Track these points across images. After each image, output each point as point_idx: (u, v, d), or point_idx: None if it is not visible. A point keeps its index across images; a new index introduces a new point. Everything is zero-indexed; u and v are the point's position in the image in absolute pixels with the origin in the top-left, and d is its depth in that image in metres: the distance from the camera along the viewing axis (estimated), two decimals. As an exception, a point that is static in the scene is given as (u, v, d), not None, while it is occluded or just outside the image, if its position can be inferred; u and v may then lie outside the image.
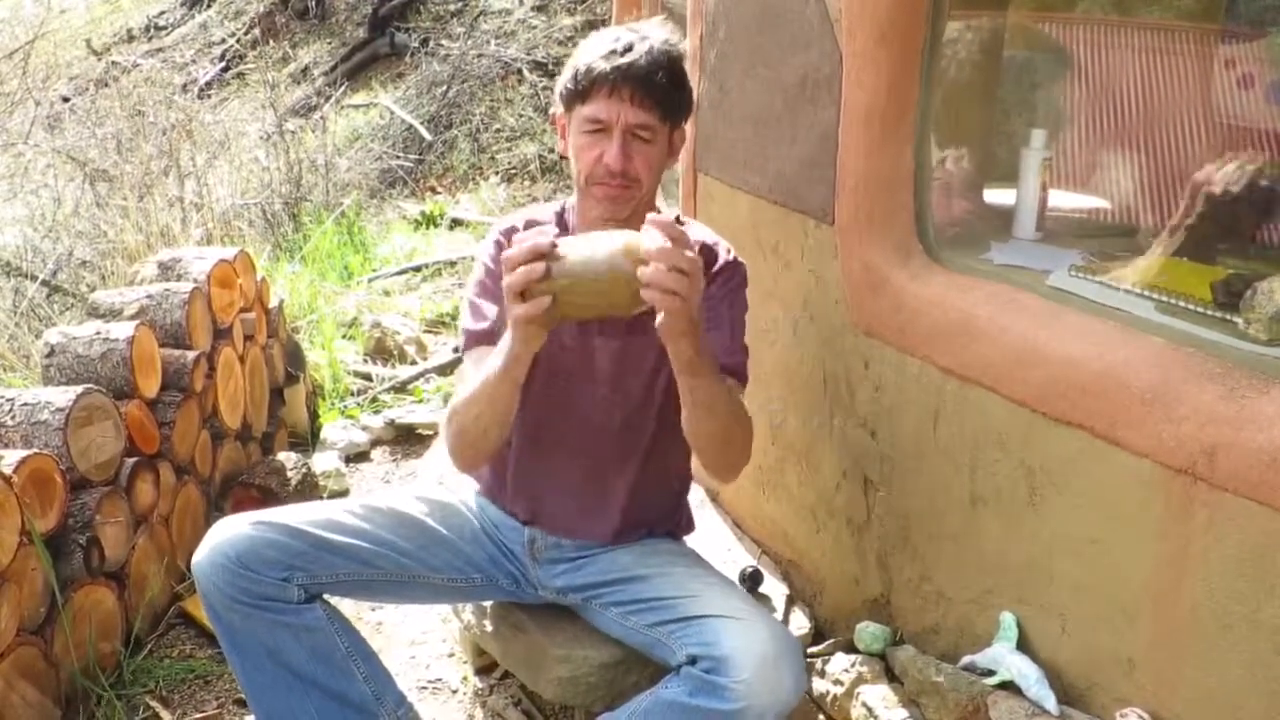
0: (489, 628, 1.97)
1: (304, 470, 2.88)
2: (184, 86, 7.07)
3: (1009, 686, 1.59)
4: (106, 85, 6.86)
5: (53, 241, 4.73)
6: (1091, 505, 1.48)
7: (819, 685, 1.89)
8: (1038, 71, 2.26)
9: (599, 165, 1.60)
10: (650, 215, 1.39)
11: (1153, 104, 2.10)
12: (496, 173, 7.08)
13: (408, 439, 3.43)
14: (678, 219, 1.79)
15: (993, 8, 2.15)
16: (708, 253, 1.76)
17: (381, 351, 3.98)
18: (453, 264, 5.20)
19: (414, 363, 3.95)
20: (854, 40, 1.82)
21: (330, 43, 9.67)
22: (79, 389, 2.17)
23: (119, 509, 2.20)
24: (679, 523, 1.92)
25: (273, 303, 3.21)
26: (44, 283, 4.25)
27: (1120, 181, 2.12)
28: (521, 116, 7.49)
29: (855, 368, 1.94)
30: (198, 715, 2.13)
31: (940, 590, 1.80)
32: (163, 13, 10.93)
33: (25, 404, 2.14)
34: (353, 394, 3.66)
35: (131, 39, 10.50)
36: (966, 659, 1.67)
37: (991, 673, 1.62)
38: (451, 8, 9.14)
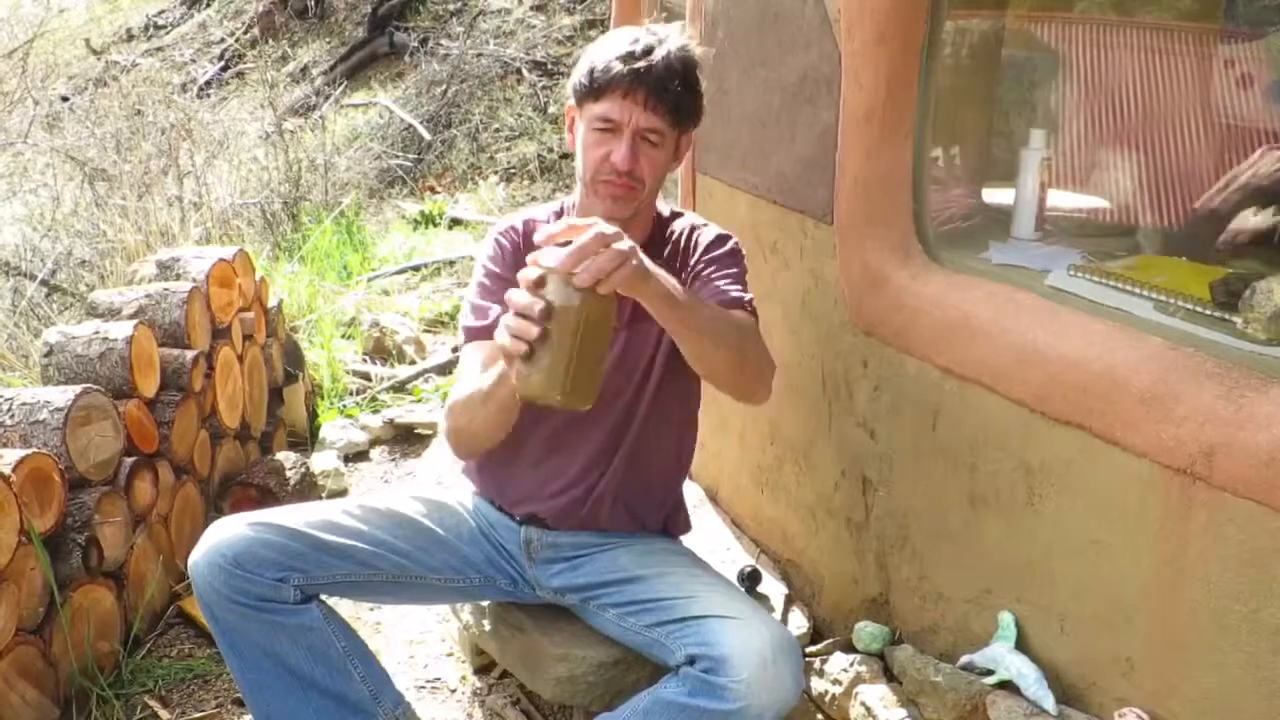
0: (487, 627, 1.97)
1: (303, 470, 2.88)
2: (183, 86, 7.08)
3: (1008, 686, 1.59)
4: (105, 85, 6.87)
5: (52, 241, 4.73)
6: (1090, 505, 1.48)
7: (817, 685, 1.89)
8: (1037, 71, 2.26)
9: (606, 163, 1.60)
10: (530, 256, 1.36)
11: (1152, 104, 2.10)
12: (495, 172, 7.08)
13: (406, 438, 3.43)
14: (674, 212, 1.81)
15: (992, 7, 2.15)
16: (702, 233, 1.78)
17: (380, 351, 3.98)
18: (451, 263, 5.20)
19: (413, 362, 3.95)
20: (853, 40, 1.82)
21: (329, 42, 9.67)
22: (78, 388, 2.17)
23: (118, 508, 2.20)
24: (674, 519, 1.92)
25: (271, 302, 3.21)
26: (43, 282, 4.25)
27: (1119, 181, 2.12)
28: (521, 116, 7.49)
29: (854, 367, 1.94)
30: (196, 715, 2.13)
31: (939, 590, 1.80)
32: (162, 12, 10.93)
33: (24, 403, 2.14)
34: (351, 393, 3.66)
35: (131, 38, 10.50)
36: (965, 658, 1.67)
37: (990, 672, 1.62)
38: (451, 7, 9.13)
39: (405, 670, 2.24)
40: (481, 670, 2.22)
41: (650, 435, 1.80)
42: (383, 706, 1.74)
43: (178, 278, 2.83)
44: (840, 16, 1.85)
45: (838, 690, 1.83)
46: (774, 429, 2.25)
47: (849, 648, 1.91)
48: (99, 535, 2.12)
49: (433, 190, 7.01)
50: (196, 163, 5.26)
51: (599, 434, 1.77)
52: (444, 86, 7.88)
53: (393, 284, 4.93)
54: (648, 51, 1.58)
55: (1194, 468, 1.31)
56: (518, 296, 1.35)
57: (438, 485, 1.97)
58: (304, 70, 9.01)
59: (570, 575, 1.81)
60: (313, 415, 3.43)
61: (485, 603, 1.96)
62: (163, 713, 2.13)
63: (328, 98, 7.57)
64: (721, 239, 1.77)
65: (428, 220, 6.16)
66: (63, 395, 2.14)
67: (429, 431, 3.36)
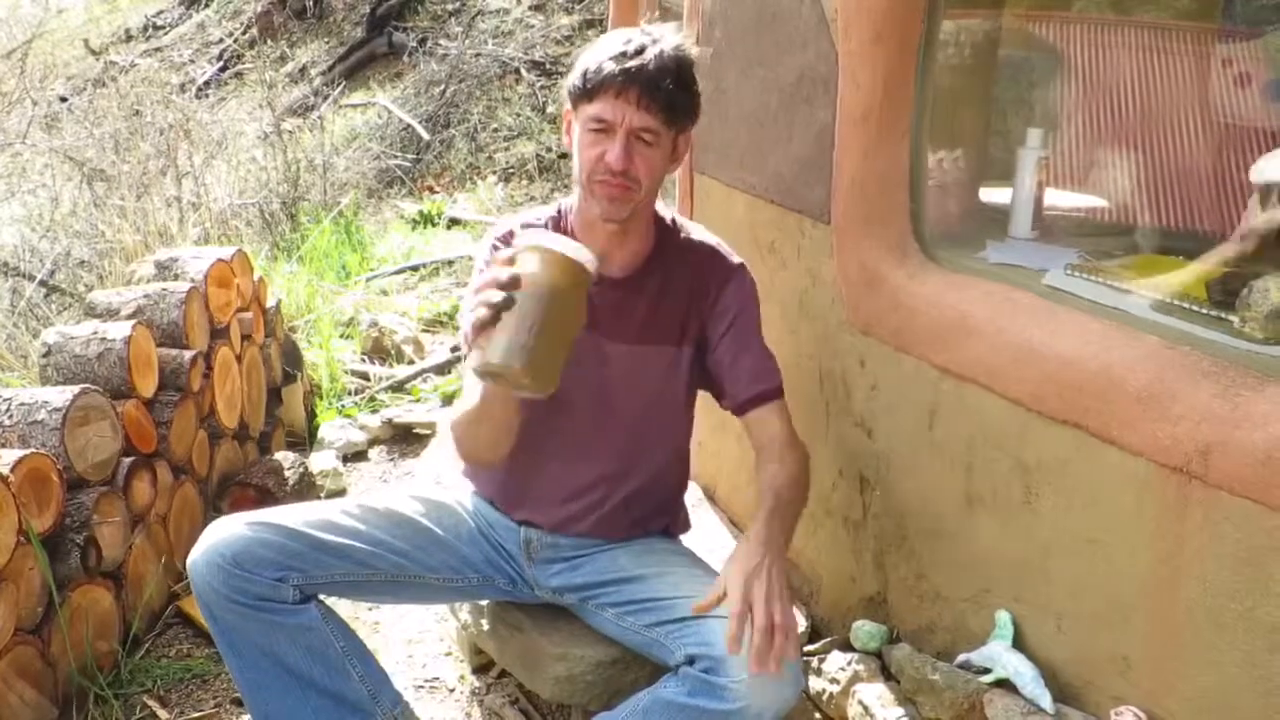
0: (486, 627, 1.97)
1: (301, 470, 2.88)
2: (182, 86, 7.07)
3: (1005, 685, 1.59)
4: (104, 85, 6.86)
5: (50, 241, 4.73)
6: (1087, 504, 1.48)
7: (815, 683, 1.89)
8: (1034, 70, 2.26)
9: (600, 163, 1.60)
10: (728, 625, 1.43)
11: (1149, 103, 2.10)
12: (494, 172, 7.08)
13: (405, 438, 3.43)
14: (674, 220, 1.80)
15: (989, 6, 2.15)
16: (717, 259, 1.77)
17: (379, 351, 3.98)
18: (450, 263, 5.20)
19: (411, 362, 3.95)
20: (850, 40, 1.82)
21: (328, 42, 9.67)
22: (76, 389, 2.17)
23: (116, 509, 2.20)
24: (676, 522, 1.93)
25: (270, 302, 3.21)
26: (41, 282, 4.25)
27: (1117, 180, 2.12)
28: (519, 116, 7.49)
29: (851, 367, 1.94)
30: (195, 715, 2.13)
31: (936, 589, 1.80)
32: (161, 12, 10.92)
33: (22, 404, 2.14)
34: (350, 393, 3.66)
35: (129, 39, 10.50)
36: (962, 657, 1.67)
37: (987, 671, 1.62)
38: (449, 7, 9.13)
39: (404, 670, 2.25)
40: (480, 670, 2.22)
41: (659, 451, 1.82)
42: (381, 706, 1.75)
43: (176, 278, 2.83)
44: (837, 16, 1.85)
45: (835, 689, 1.83)
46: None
47: (847, 646, 1.91)
48: (97, 535, 2.12)
49: (431, 190, 7.01)
50: (195, 163, 5.26)
51: (607, 450, 1.77)
52: (442, 86, 7.89)
53: (391, 284, 4.93)
54: (640, 51, 1.57)
55: (1190, 466, 1.32)
56: (488, 272, 1.40)
57: (436, 485, 1.97)
58: (302, 70, 9.01)
59: (569, 575, 1.81)
60: (311, 415, 3.43)
61: (484, 602, 1.96)
62: (161, 712, 2.13)
63: (326, 98, 7.56)
64: (743, 271, 1.78)
65: (426, 220, 6.16)
66: (61, 395, 2.14)
67: (427, 431, 3.36)
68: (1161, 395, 1.36)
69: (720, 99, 2.29)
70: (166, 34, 10.35)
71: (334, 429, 3.34)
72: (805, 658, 1.93)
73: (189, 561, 1.65)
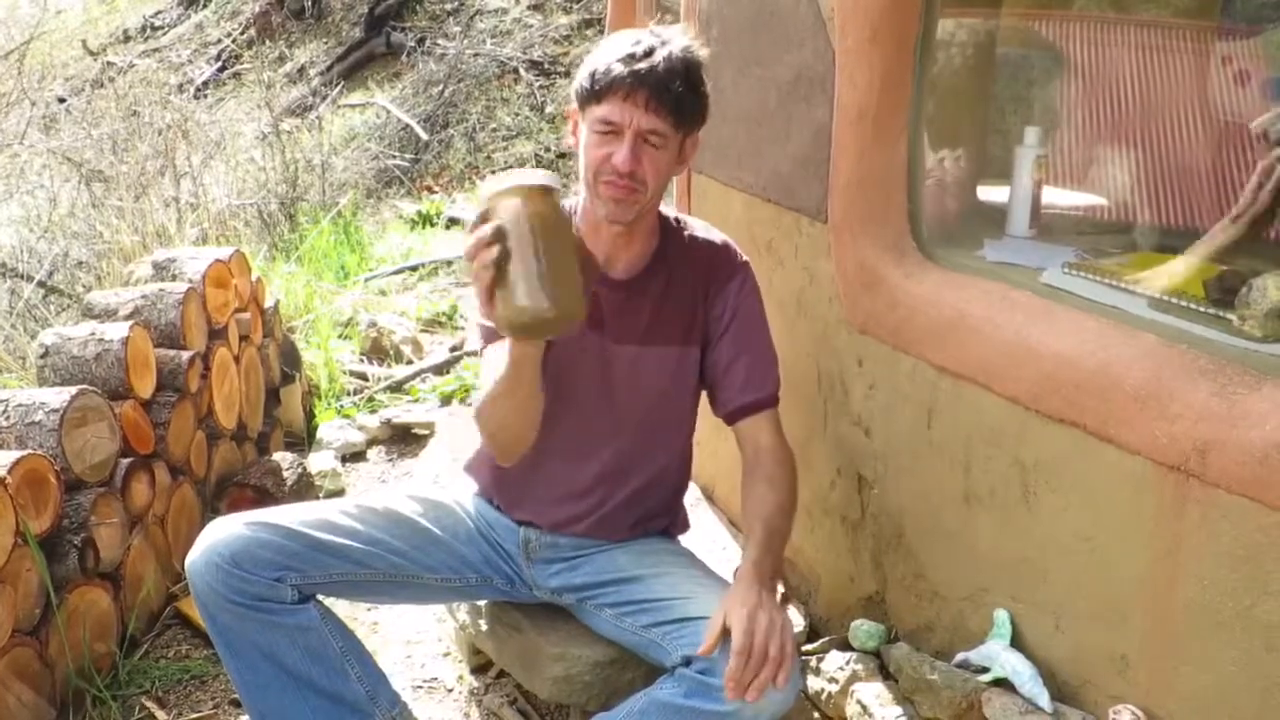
0: (484, 627, 1.97)
1: (300, 470, 2.88)
2: (180, 87, 7.06)
3: (1003, 684, 1.59)
4: (102, 85, 6.86)
5: (48, 242, 4.73)
6: (1085, 503, 1.48)
7: (814, 683, 1.89)
8: (1032, 68, 2.26)
9: (607, 164, 1.59)
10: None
11: (1148, 101, 2.10)
12: (493, 172, 7.08)
13: (404, 438, 3.42)
14: (678, 219, 1.80)
15: (986, 5, 2.15)
16: (720, 258, 1.77)
17: (378, 351, 3.98)
18: (449, 263, 5.20)
19: (410, 362, 3.95)
20: (846, 38, 1.82)
21: (326, 42, 9.67)
22: (74, 390, 2.17)
23: (114, 510, 2.20)
24: (675, 522, 1.93)
25: (268, 303, 3.20)
26: (39, 283, 4.25)
27: (1115, 178, 2.12)
28: (518, 116, 7.49)
29: (849, 366, 1.94)
30: (193, 716, 2.13)
31: (934, 588, 1.80)
32: (159, 13, 10.92)
33: (20, 405, 2.13)
34: (349, 393, 3.66)
35: (128, 39, 10.49)
36: (960, 656, 1.67)
37: (985, 670, 1.62)
38: (448, 7, 9.13)
39: (402, 670, 2.24)
40: (478, 670, 2.22)
41: (661, 452, 1.81)
42: (380, 706, 1.74)
43: (174, 278, 2.83)
44: (834, 15, 1.85)
45: (834, 688, 1.83)
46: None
47: (845, 646, 1.91)
48: (95, 536, 2.12)
49: (430, 190, 7.02)
50: (193, 163, 5.25)
51: (610, 450, 1.77)
52: (441, 86, 7.89)
53: (390, 284, 4.93)
54: (649, 53, 1.57)
55: (1188, 465, 1.31)
56: (470, 238, 1.42)
57: (435, 485, 1.97)
58: (301, 70, 9.00)
59: (568, 575, 1.81)
60: (310, 415, 3.42)
61: (482, 602, 1.96)
62: (159, 714, 2.13)
63: (324, 98, 7.56)
64: (746, 268, 1.78)
65: (425, 220, 6.16)
66: (58, 396, 2.14)
67: (426, 431, 3.35)
68: (1159, 394, 1.36)
69: (717, 98, 2.27)
70: (164, 34, 10.34)
71: (332, 429, 3.34)
72: (803, 657, 1.92)
73: (187, 562, 1.65)
